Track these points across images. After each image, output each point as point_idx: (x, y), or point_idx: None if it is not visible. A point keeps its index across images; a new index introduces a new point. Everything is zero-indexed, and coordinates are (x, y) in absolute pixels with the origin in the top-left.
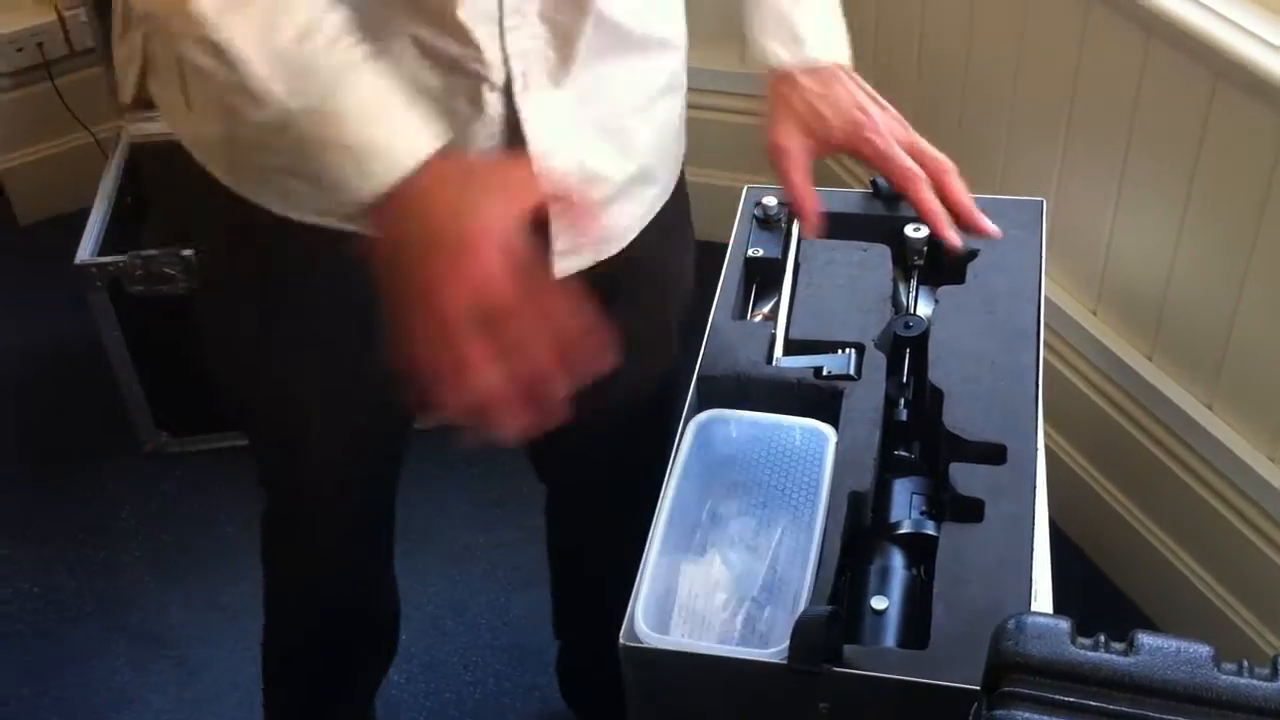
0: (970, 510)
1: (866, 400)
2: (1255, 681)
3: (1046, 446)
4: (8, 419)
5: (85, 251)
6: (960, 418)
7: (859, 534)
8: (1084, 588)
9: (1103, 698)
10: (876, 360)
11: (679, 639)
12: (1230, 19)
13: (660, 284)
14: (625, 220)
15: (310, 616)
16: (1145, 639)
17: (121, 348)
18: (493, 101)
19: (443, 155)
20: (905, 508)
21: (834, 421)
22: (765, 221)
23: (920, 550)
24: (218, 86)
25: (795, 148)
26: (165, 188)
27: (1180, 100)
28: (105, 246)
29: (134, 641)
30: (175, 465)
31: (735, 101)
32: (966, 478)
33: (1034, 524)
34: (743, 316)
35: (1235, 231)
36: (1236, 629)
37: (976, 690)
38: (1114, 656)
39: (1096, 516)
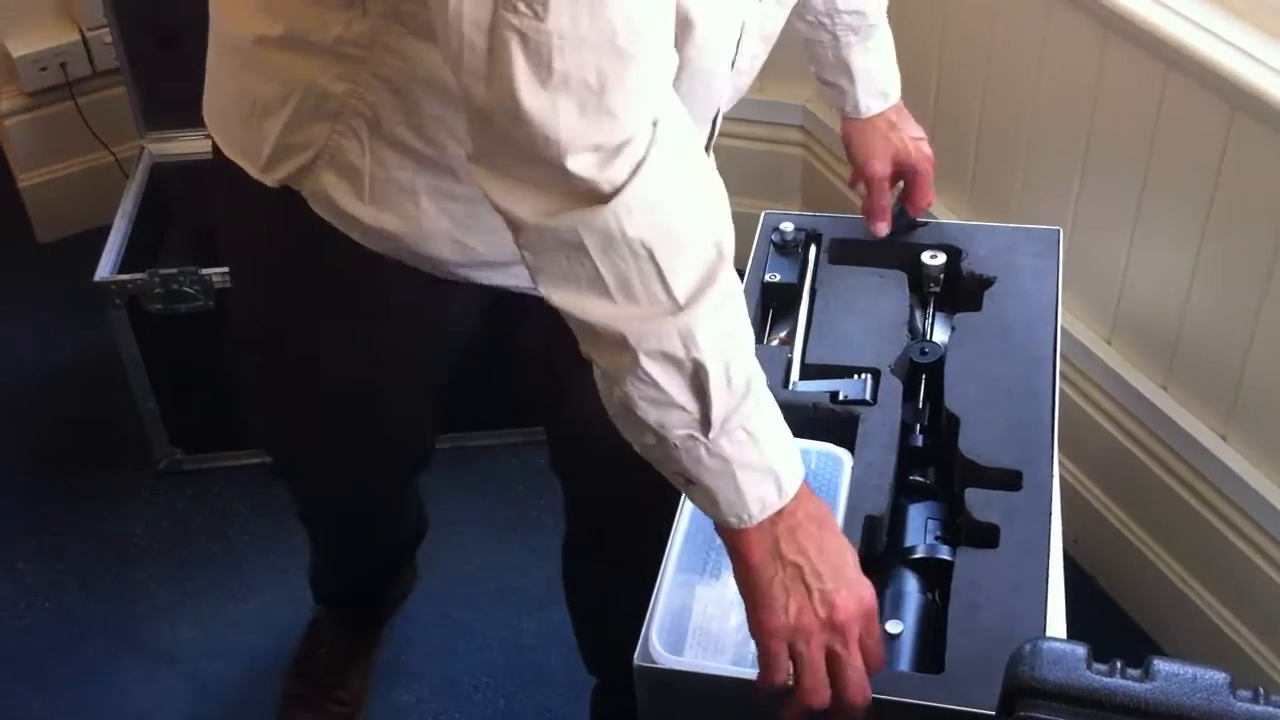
0: (985, 535)
1: (883, 425)
2: (1271, 709)
3: (1060, 475)
4: (24, 434)
5: (105, 269)
6: (976, 443)
7: (874, 557)
8: (1097, 617)
9: None
10: (893, 386)
11: (693, 660)
12: (1248, 51)
13: None
14: None
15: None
16: (1161, 665)
17: (139, 365)
18: None
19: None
20: (920, 533)
21: (850, 446)
22: (783, 247)
23: (935, 575)
24: (647, 400)
25: (884, 175)
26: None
27: (1197, 132)
28: (125, 265)
29: (145, 658)
30: (189, 482)
31: (753, 129)
32: (982, 503)
33: (1049, 550)
34: (759, 341)
35: (1251, 262)
36: (1249, 660)
37: (992, 715)
38: (1130, 683)
39: (1110, 546)
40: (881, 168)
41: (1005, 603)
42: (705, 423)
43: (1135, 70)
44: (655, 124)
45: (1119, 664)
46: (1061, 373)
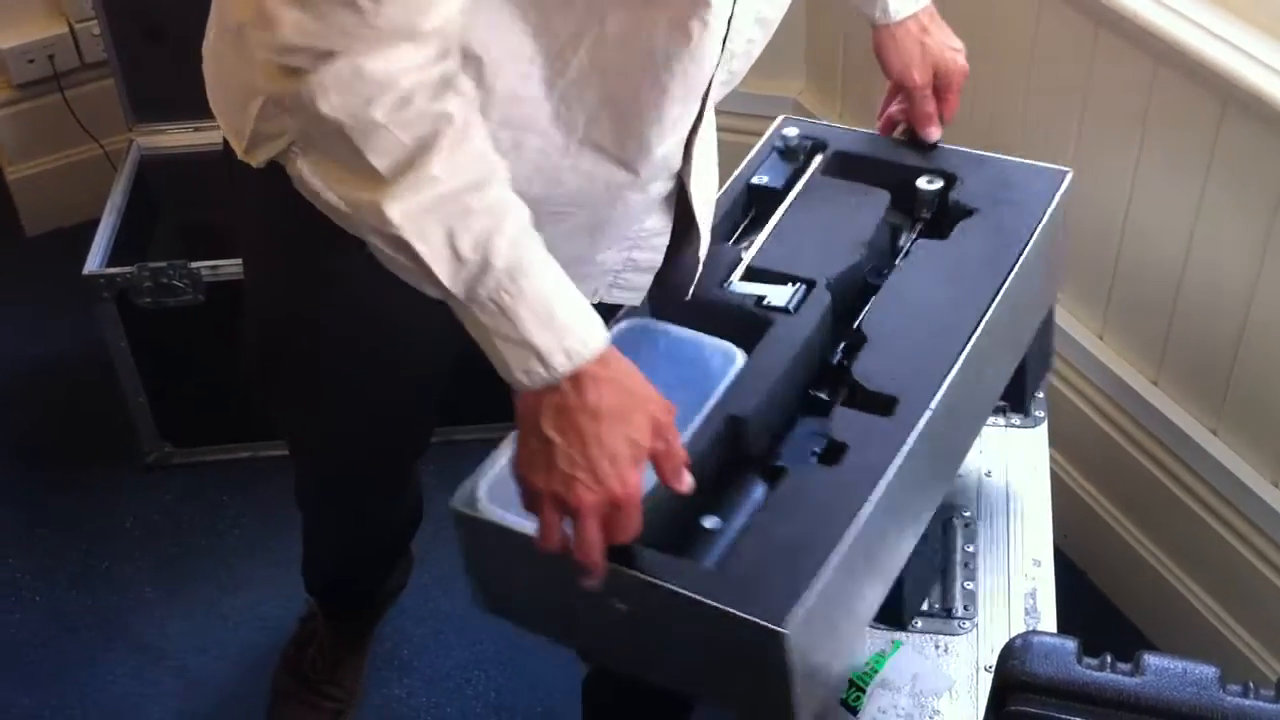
0: (831, 454)
1: (789, 334)
2: (1260, 703)
3: (1051, 469)
4: (12, 428)
5: (93, 262)
6: (869, 367)
7: (734, 461)
8: (1087, 611)
9: (1109, 717)
10: (821, 299)
11: (504, 514)
12: (1239, 46)
13: None
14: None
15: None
16: (1151, 660)
17: (127, 359)
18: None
19: (605, 353)
20: (800, 445)
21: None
22: (785, 152)
23: (776, 483)
24: (396, 267)
25: (925, 82)
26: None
27: (1188, 127)
28: (113, 258)
29: (135, 651)
30: (178, 476)
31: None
32: (844, 422)
33: (883, 479)
34: (727, 240)
35: (1242, 257)
36: (1239, 653)
37: (740, 617)
38: (1120, 677)
39: (1100, 540)
40: (921, 75)
41: (812, 517)
42: (446, 291)
43: (1126, 65)
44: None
45: (1109, 658)
46: (1054, 370)
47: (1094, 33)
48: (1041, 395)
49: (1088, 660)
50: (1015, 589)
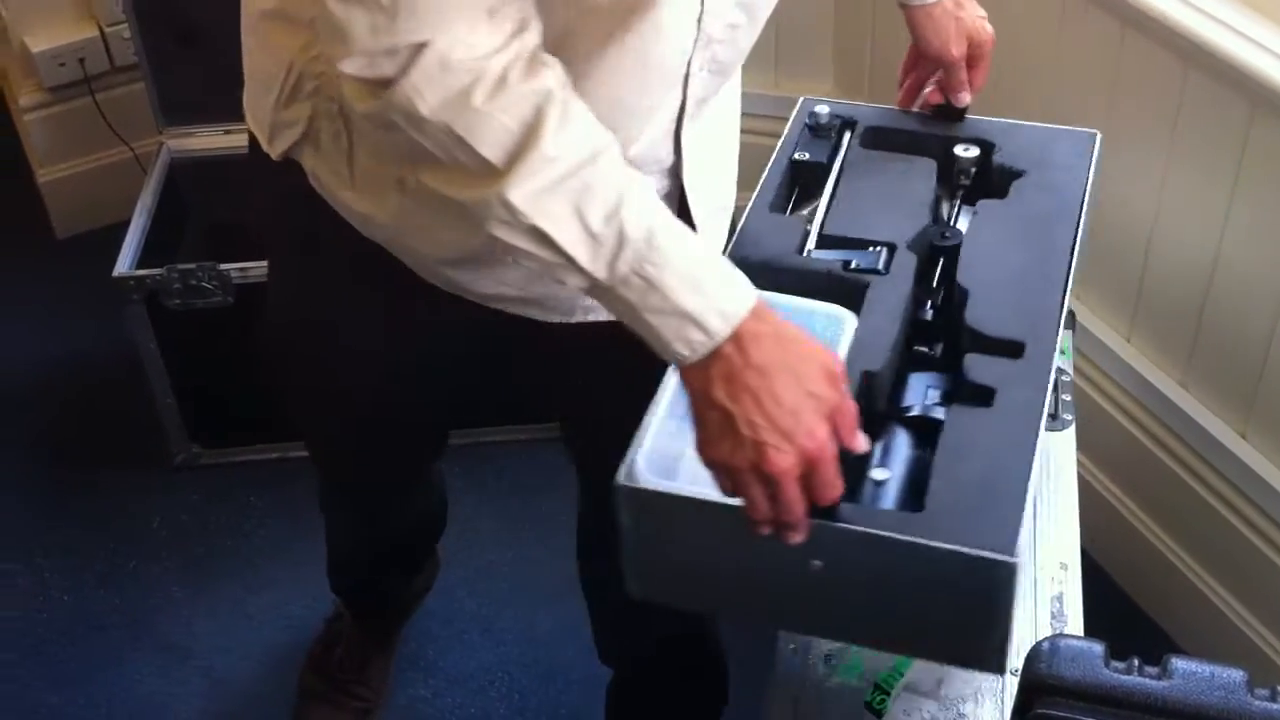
0: (980, 396)
1: (891, 293)
2: None
3: (1078, 473)
4: (42, 428)
5: (123, 264)
6: (982, 315)
7: (871, 416)
8: (1114, 615)
9: None
10: (906, 259)
11: (678, 484)
12: (1268, 47)
13: None
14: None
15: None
16: (1179, 663)
17: (157, 360)
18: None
19: (757, 307)
20: (920, 396)
21: (857, 312)
22: (816, 130)
23: (931, 437)
24: (534, 262)
25: (962, 54)
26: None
27: (1218, 126)
28: (143, 260)
29: (161, 651)
30: (205, 477)
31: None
32: (980, 367)
33: (1042, 415)
34: (781, 213)
35: (1272, 259)
36: (1267, 658)
37: (969, 554)
38: (1148, 680)
39: (1127, 544)
40: (958, 49)
41: (992, 455)
42: (588, 275)
43: (1154, 67)
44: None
45: (1136, 662)
46: (1078, 369)
47: (1120, 33)
48: (1069, 398)
49: (1115, 664)
50: (1042, 592)
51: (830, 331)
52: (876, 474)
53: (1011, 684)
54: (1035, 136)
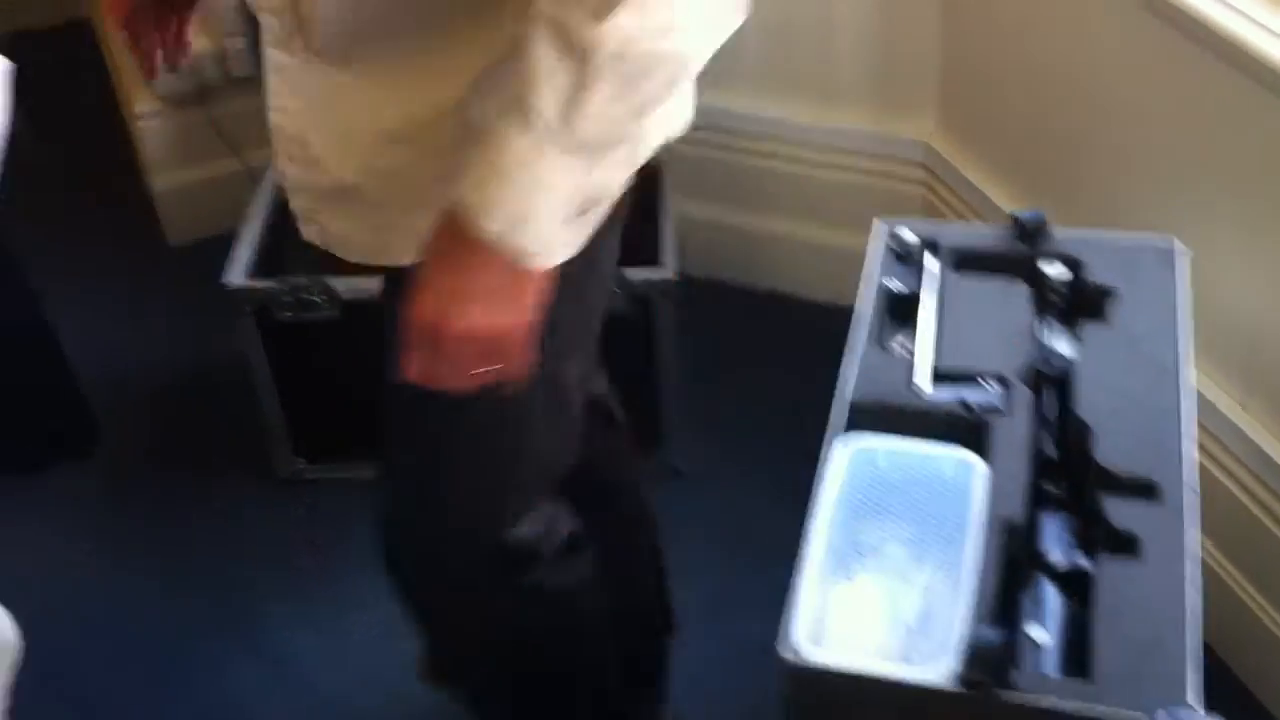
0: (1125, 545)
1: (1016, 434)
2: None
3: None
4: (149, 435)
5: (235, 275)
6: (1112, 452)
7: (1012, 565)
8: (1226, 700)
9: None
10: (1023, 395)
11: (846, 659)
12: None
13: None
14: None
15: None
16: None
17: (265, 372)
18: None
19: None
20: (1055, 541)
21: (980, 453)
22: (901, 255)
23: (1072, 584)
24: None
25: None
26: None
27: None
28: (253, 272)
29: (262, 663)
30: (309, 492)
31: (872, 163)
32: (1120, 512)
33: (1188, 563)
34: (882, 346)
35: None
36: None
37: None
38: None
39: (1241, 625)
40: None
41: (1149, 612)
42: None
43: (1251, 114)
44: None
45: None
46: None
47: (1245, 83)
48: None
49: None
50: None
51: (961, 477)
52: (1035, 634)
53: None
54: (1116, 246)
